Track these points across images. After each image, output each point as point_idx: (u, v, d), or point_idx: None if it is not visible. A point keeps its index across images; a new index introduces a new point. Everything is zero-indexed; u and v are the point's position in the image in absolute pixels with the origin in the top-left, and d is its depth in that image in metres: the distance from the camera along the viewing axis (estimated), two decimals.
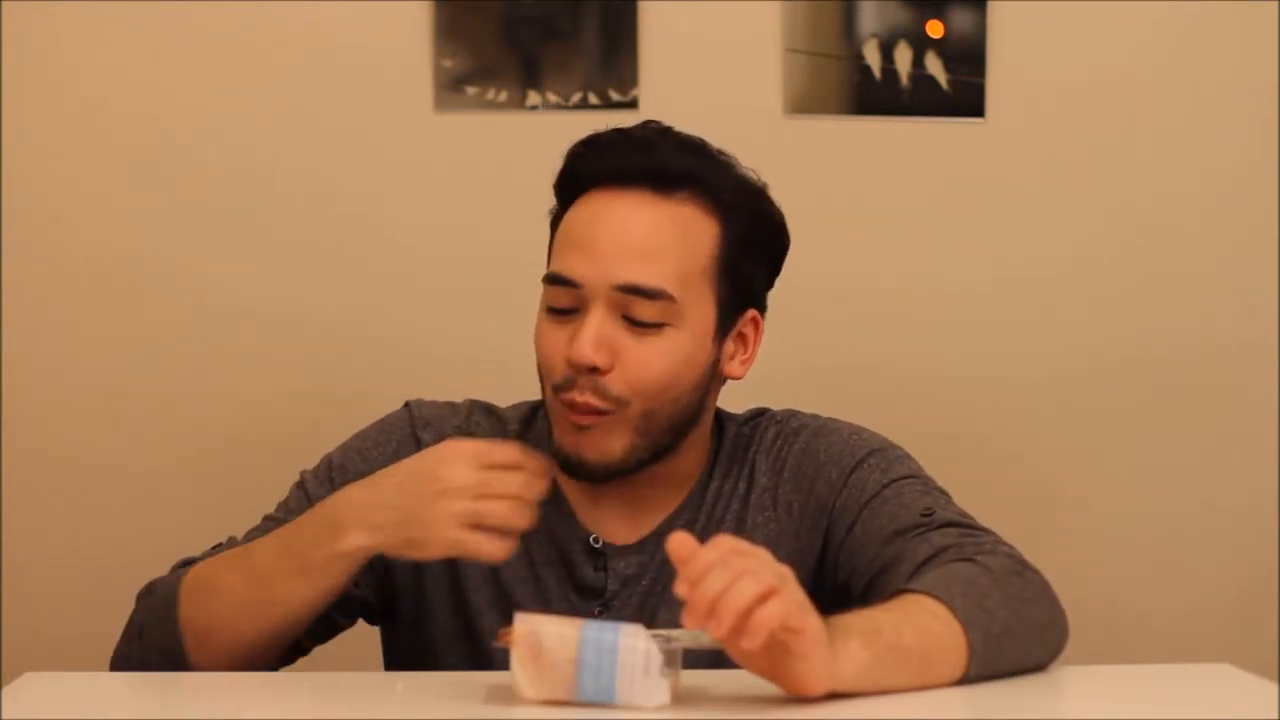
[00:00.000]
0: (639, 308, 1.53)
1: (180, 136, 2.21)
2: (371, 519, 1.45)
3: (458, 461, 1.44)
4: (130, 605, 2.23)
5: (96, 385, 2.22)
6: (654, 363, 1.54)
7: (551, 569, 1.61)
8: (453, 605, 1.61)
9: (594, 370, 1.53)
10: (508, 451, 1.45)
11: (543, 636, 1.26)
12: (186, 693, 1.43)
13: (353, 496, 1.48)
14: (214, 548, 1.64)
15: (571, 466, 1.57)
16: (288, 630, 1.50)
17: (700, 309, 1.57)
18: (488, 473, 1.43)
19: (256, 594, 1.49)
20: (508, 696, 1.28)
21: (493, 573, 1.61)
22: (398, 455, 1.62)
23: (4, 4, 2.18)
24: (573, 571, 1.61)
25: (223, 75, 2.21)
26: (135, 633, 1.57)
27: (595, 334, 1.52)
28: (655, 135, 1.60)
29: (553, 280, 1.56)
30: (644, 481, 1.60)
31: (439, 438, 1.63)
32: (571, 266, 1.55)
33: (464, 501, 1.42)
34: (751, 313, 1.63)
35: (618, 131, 1.61)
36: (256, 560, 1.51)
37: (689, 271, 1.56)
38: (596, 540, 1.61)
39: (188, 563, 1.62)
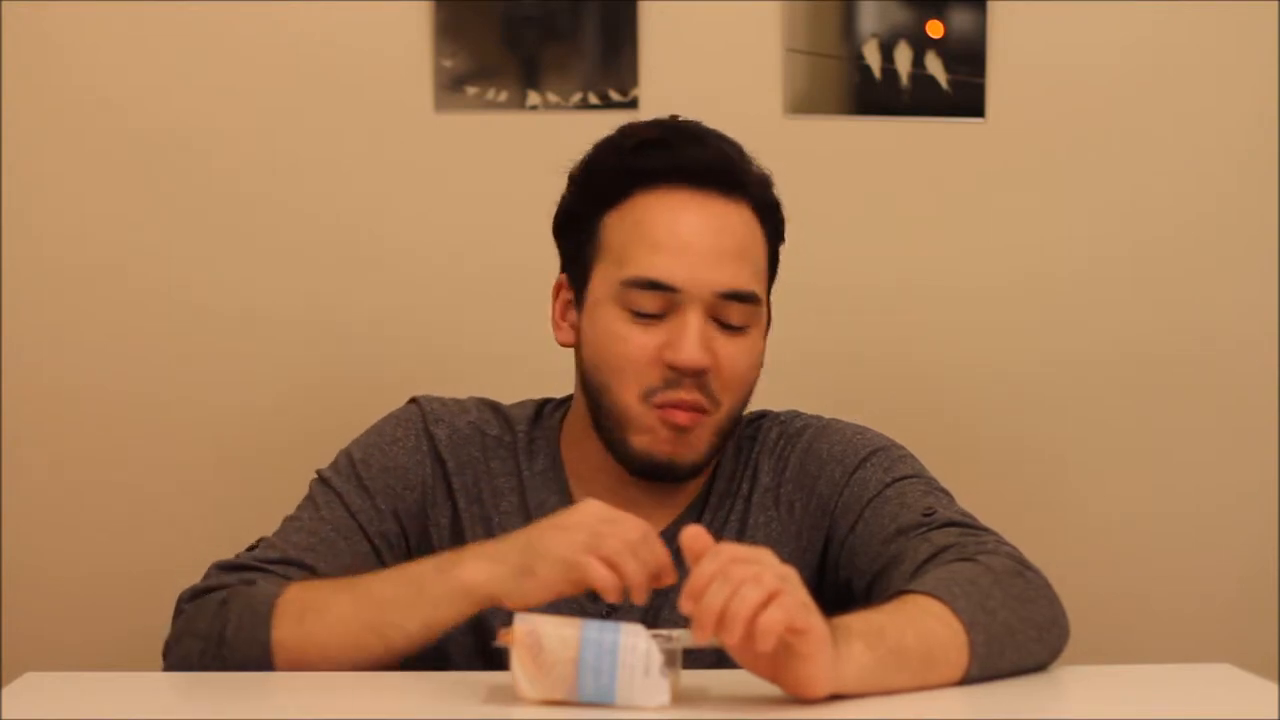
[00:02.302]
0: (732, 311, 1.57)
1: (179, 136, 2.21)
2: (489, 551, 1.45)
3: (586, 509, 1.43)
4: (128, 605, 2.24)
5: (96, 385, 2.22)
6: (744, 362, 1.58)
7: None
8: None
9: (699, 371, 1.55)
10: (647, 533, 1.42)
11: (543, 636, 1.26)
12: (186, 693, 1.43)
13: (475, 545, 1.49)
14: (249, 549, 1.62)
15: (659, 472, 1.58)
16: (388, 660, 1.46)
17: (765, 308, 1.62)
18: (610, 525, 1.41)
19: (368, 620, 1.46)
20: (508, 696, 1.28)
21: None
22: (417, 449, 1.64)
23: (4, 4, 2.18)
24: None
25: (222, 75, 2.21)
26: (213, 641, 1.49)
27: (700, 336, 1.55)
28: (705, 133, 1.62)
29: (646, 285, 1.56)
30: (656, 485, 1.61)
31: (451, 432, 1.65)
32: (669, 271, 1.55)
33: (583, 534, 1.40)
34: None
35: (677, 129, 1.62)
36: (371, 588, 1.48)
37: (760, 271, 1.61)
38: None
39: (230, 567, 1.59)
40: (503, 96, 2.21)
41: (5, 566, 2.21)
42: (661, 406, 1.55)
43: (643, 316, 1.56)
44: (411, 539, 1.63)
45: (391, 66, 2.21)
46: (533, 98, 2.21)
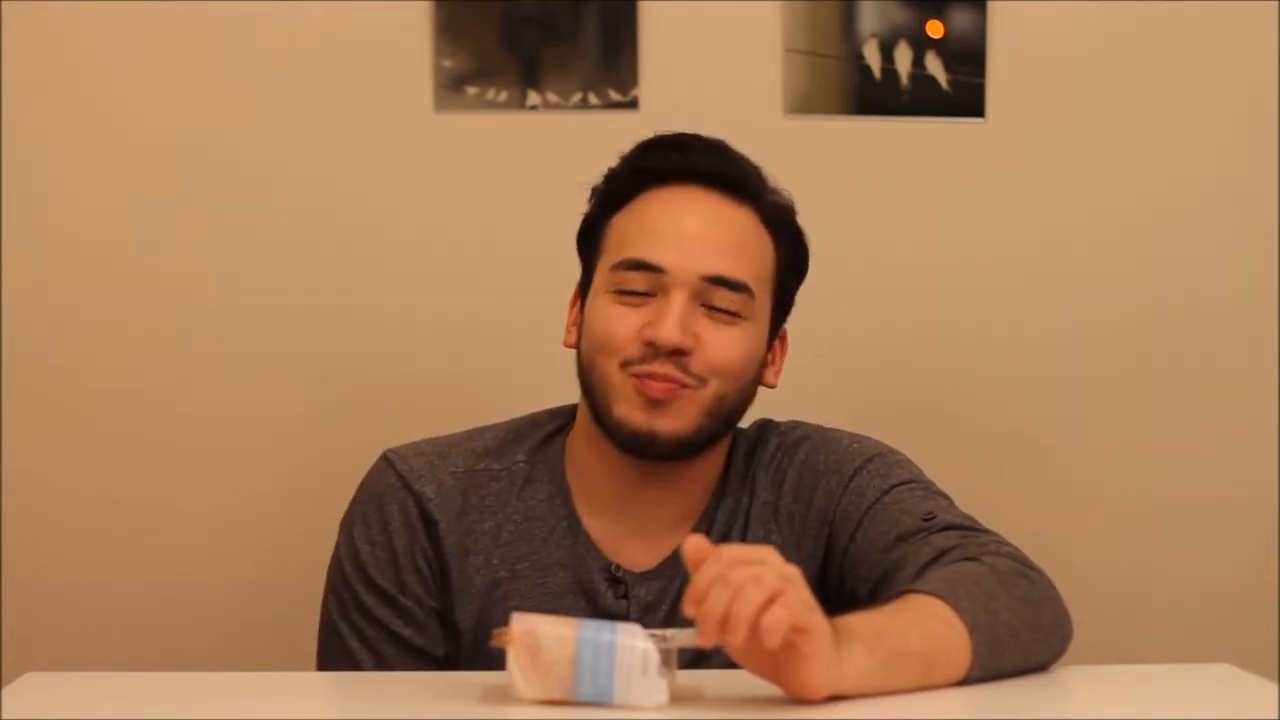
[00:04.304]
0: (720, 297, 1.57)
1: (180, 136, 2.21)
2: None
3: None
4: (129, 605, 2.24)
5: (97, 385, 2.22)
6: (731, 349, 1.57)
7: (571, 599, 1.60)
8: (480, 639, 1.59)
9: (678, 352, 1.54)
10: None
11: (540, 637, 1.26)
12: (186, 693, 1.43)
13: None
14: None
15: (640, 443, 1.56)
16: None
17: (763, 311, 1.61)
18: None
19: None
20: (505, 696, 1.28)
21: (514, 609, 1.59)
22: (407, 525, 1.61)
23: (4, 4, 2.18)
24: (595, 600, 1.60)
25: (223, 75, 2.21)
26: None
27: (681, 317, 1.55)
28: (722, 145, 1.64)
29: (635, 266, 1.56)
30: (662, 497, 1.61)
31: (438, 488, 1.62)
32: (658, 253, 1.56)
33: None
34: (782, 328, 1.68)
35: (690, 135, 1.64)
36: None
37: (760, 273, 1.60)
38: (617, 569, 1.61)
39: None
40: (503, 96, 2.21)
41: (5, 566, 2.21)
42: (638, 376, 1.55)
43: (629, 295, 1.57)
44: (437, 602, 1.62)
45: (391, 66, 2.21)
46: (533, 98, 2.21)
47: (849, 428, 1.71)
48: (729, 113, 2.21)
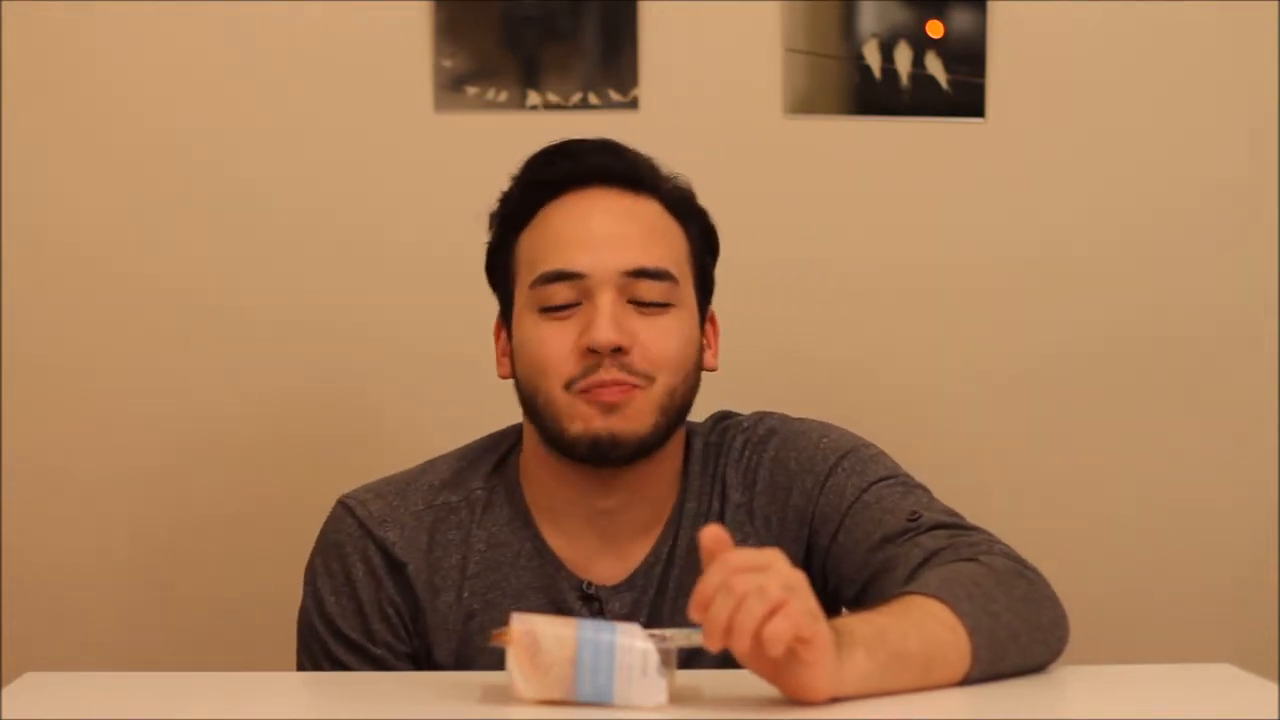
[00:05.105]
0: (645, 289, 1.55)
1: (180, 136, 2.21)
2: None
3: None
4: (128, 605, 2.24)
5: (97, 385, 2.22)
6: (668, 339, 1.55)
7: None
8: (457, 664, 1.59)
9: (617, 351, 1.52)
10: None
11: (540, 637, 1.26)
12: (187, 693, 1.43)
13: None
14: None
15: (602, 448, 1.54)
16: None
17: (688, 295, 1.60)
18: None
19: None
20: (505, 696, 1.28)
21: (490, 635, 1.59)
22: (370, 573, 1.59)
23: (4, 4, 2.18)
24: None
25: (223, 75, 2.21)
26: None
27: (613, 316, 1.53)
28: (608, 142, 1.63)
29: (553, 277, 1.55)
30: (623, 504, 1.59)
31: (402, 530, 1.60)
32: (574, 259, 1.55)
33: None
34: (710, 310, 1.66)
35: (575, 140, 1.63)
36: None
37: (677, 259, 1.59)
38: (589, 586, 1.59)
39: None
40: (503, 96, 2.21)
41: (5, 566, 2.21)
42: (586, 391, 1.53)
43: (555, 310, 1.55)
44: (414, 642, 1.61)
45: (391, 66, 2.21)
46: (533, 98, 2.21)
47: (850, 428, 1.69)
48: (729, 113, 2.21)
